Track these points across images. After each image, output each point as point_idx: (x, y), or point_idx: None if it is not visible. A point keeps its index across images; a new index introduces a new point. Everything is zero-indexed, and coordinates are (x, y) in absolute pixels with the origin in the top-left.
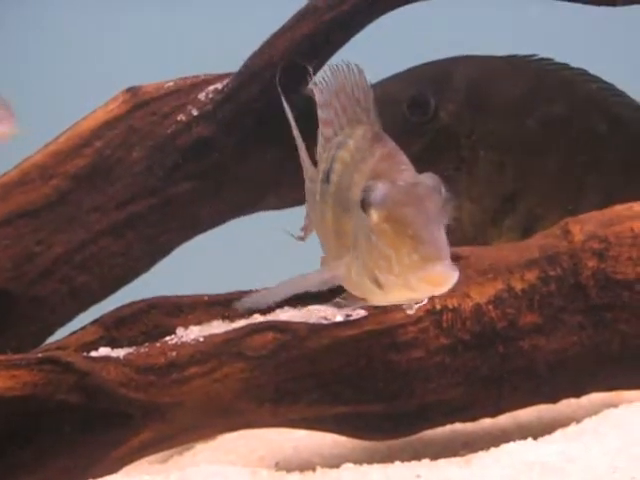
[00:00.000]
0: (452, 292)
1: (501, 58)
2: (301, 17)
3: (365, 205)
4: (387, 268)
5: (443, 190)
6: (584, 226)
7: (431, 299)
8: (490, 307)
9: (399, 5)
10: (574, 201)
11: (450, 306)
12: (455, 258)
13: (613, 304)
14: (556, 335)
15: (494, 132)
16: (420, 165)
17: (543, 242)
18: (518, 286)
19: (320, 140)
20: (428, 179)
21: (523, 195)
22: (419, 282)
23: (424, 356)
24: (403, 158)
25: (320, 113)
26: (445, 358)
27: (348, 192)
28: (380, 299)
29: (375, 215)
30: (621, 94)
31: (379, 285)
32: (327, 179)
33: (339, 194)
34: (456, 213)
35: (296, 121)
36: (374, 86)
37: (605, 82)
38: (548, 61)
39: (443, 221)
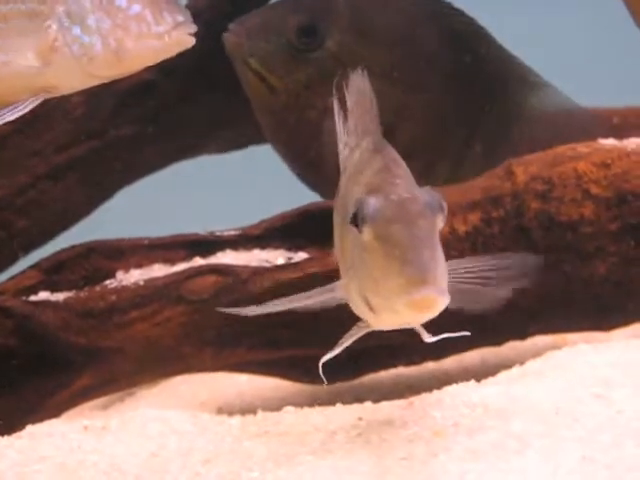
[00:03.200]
0: None
1: None
2: None
3: (356, 220)
4: (375, 290)
5: (443, 205)
6: (527, 167)
7: None
8: None
9: None
10: (445, 138)
11: None
12: None
13: (557, 246)
14: None
15: (377, 62)
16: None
17: (486, 183)
18: (461, 228)
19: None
20: (425, 194)
21: (400, 129)
22: (404, 307)
23: None
24: (400, 171)
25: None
26: None
27: (348, 206)
28: (374, 322)
29: (365, 231)
30: (487, 34)
31: (370, 307)
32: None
33: (342, 208)
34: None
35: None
36: (253, 15)
37: (470, 18)
38: None
39: (436, 240)
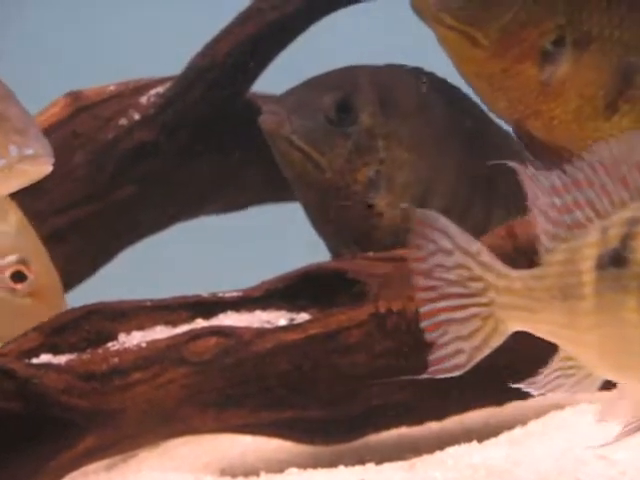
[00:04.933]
0: (397, 295)
1: (394, 66)
2: (244, 18)
3: None
4: None
5: None
6: (529, 228)
7: (375, 302)
8: None
9: (341, 6)
10: (468, 206)
11: (394, 309)
12: (400, 260)
13: None
14: None
15: (406, 133)
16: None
17: (488, 243)
18: None
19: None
20: None
21: (431, 195)
22: None
23: (369, 359)
24: None
25: (559, 199)
26: (390, 361)
27: None
28: None
29: None
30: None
31: None
32: (616, 262)
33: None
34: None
35: (237, 125)
36: (288, 94)
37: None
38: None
39: None
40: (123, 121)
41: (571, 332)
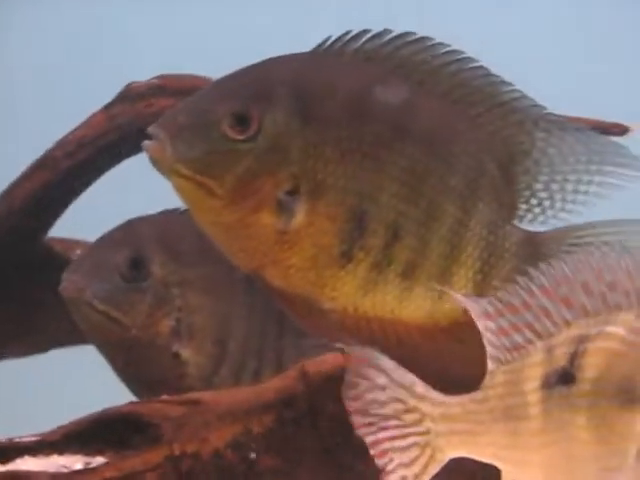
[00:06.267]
0: (191, 437)
1: (172, 211)
2: (38, 166)
3: None
4: None
5: None
6: (320, 368)
7: (169, 445)
8: (229, 451)
9: (135, 153)
10: (264, 336)
11: (189, 451)
12: (194, 403)
13: (348, 444)
14: (296, 478)
15: (197, 277)
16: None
17: (280, 384)
18: (256, 429)
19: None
20: None
21: (231, 338)
22: None
23: None
24: None
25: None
26: None
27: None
28: None
29: None
30: None
31: None
32: (563, 381)
33: (608, 389)
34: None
35: (34, 270)
36: (81, 259)
37: None
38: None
39: None
40: None
41: (515, 453)
